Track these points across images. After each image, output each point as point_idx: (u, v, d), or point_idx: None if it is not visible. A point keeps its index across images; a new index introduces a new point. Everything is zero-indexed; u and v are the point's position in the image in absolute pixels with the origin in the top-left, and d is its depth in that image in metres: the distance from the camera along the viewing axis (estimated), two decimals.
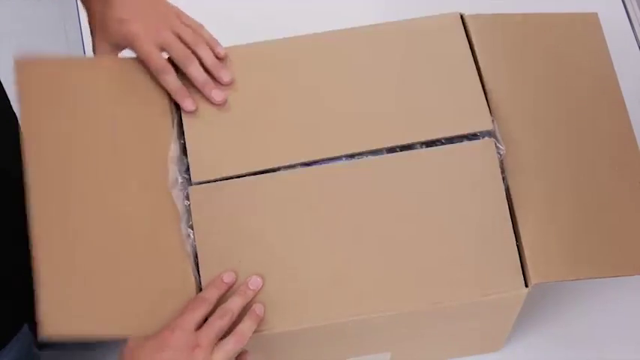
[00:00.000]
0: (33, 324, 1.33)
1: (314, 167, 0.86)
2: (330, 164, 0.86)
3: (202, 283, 0.81)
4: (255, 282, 0.82)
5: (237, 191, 0.84)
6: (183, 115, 0.87)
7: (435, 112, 0.88)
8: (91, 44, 0.90)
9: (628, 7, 1.20)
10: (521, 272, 0.83)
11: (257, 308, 0.81)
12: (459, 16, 0.92)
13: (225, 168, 0.85)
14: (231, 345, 0.77)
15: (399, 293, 0.82)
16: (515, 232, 0.84)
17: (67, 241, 0.80)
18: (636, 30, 1.19)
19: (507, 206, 0.84)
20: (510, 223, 0.84)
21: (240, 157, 0.85)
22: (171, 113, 0.87)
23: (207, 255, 0.82)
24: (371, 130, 0.87)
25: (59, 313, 0.79)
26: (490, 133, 0.87)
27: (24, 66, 0.85)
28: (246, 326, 0.79)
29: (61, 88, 0.85)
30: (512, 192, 0.85)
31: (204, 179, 0.84)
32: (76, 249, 0.80)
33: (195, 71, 0.87)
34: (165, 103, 0.87)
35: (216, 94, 0.87)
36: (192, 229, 0.82)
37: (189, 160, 0.85)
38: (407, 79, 0.89)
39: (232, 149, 0.86)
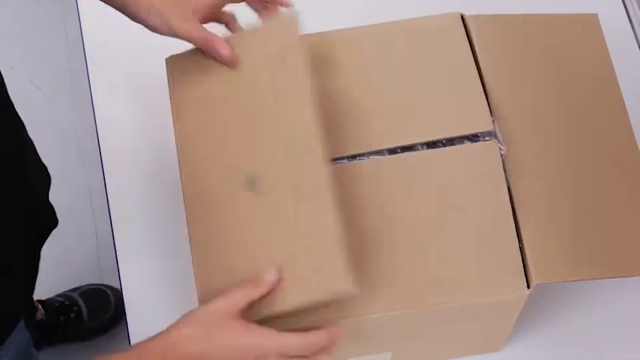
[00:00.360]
0: (31, 323, 1.33)
1: None
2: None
3: None
4: None
5: None
6: None
7: (435, 112, 0.87)
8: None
9: (628, 7, 1.20)
10: (523, 273, 0.83)
11: None
12: (460, 16, 0.92)
13: None
14: None
15: (400, 293, 0.82)
16: (516, 233, 0.84)
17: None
18: (636, 30, 1.19)
19: (510, 207, 0.84)
20: (513, 224, 0.84)
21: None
22: None
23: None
24: (371, 131, 0.87)
25: None
26: (491, 134, 0.86)
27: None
28: None
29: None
30: (512, 193, 0.85)
31: None
32: None
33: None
34: None
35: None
36: None
37: None
38: (407, 78, 0.89)
39: None
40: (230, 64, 0.84)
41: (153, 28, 0.85)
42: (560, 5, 1.11)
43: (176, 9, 0.84)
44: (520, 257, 0.83)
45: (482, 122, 0.87)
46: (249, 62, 0.85)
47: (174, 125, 0.86)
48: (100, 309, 1.55)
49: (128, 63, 1.03)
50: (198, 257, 0.82)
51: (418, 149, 0.86)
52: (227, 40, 0.85)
